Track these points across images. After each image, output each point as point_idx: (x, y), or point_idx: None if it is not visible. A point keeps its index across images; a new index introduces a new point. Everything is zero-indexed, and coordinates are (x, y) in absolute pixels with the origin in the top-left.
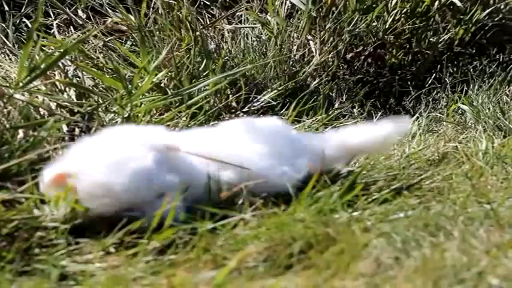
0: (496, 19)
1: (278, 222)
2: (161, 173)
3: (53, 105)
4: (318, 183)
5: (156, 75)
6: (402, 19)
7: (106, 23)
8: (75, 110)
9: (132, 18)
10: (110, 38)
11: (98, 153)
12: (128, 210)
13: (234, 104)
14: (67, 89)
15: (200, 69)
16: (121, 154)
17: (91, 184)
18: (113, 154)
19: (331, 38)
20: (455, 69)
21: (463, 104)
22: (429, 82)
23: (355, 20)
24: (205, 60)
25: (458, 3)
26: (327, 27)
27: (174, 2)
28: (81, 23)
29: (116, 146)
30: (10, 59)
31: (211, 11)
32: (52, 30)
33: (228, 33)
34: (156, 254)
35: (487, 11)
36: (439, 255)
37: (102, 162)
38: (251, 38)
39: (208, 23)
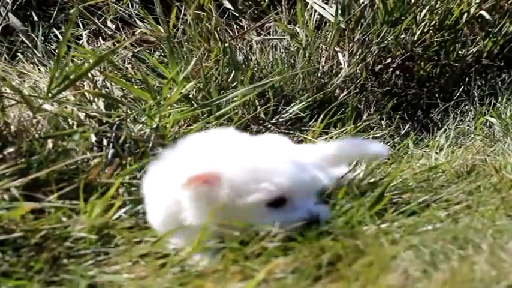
0: None
1: (306, 234)
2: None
3: (82, 115)
4: (347, 194)
5: (185, 86)
6: (431, 31)
7: (135, 33)
8: (104, 121)
9: (161, 29)
10: (138, 48)
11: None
12: (276, 204)
13: (262, 115)
14: (96, 99)
15: (229, 80)
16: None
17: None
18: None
19: (360, 50)
20: (483, 81)
21: (491, 116)
22: (457, 95)
23: (384, 32)
24: (233, 72)
25: (487, 16)
26: (355, 39)
27: (203, 13)
28: (110, 33)
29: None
30: (39, 69)
31: (240, 23)
32: (81, 41)
33: (257, 44)
34: (186, 265)
35: None
36: (467, 268)
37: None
38: (280, 49)
39: (237, 34)
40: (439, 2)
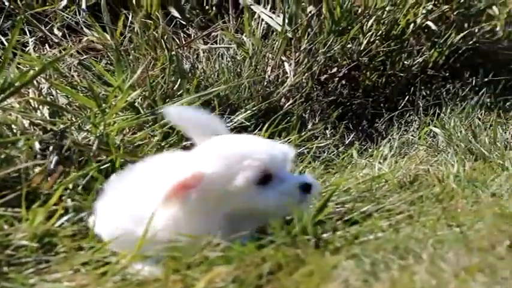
0: (470, 43)
1: (248, 243)
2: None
3: (26, 123)
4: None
5: (130, 94)
6: (377, 41)
7: (82, 41)
8: (48, 128)
9: (108, 37)
10: (85, 56)
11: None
12: (263, 180)
13: None
14: (41, 107)
15: (174, 88)
16: None
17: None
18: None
19: (306, 59)
20: (428, 92)
21: (435, 127)
22: (402, 105)
23: (330, 41)
24: (179, 80)
25: (433, 27)
26: (302, 48)
27: (150, 21)
28: (56, 41)
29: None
30: None
31: (187, 31)
32: (28, 48)
33: (203, 53)
34: (127, 273)
35: (461, 34)
36: (408, 278)
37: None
38: (226, 58)
39: (184, 42)
40: (385, 12)
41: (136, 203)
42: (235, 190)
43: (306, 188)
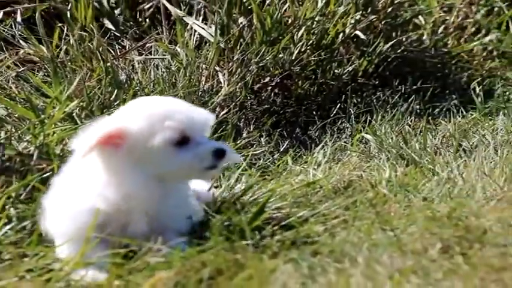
0: (398, 51)
1: (188, 248)
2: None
3: None
4: (228, 210)
5: (68, 105)
6: (308, 51)
7: (18, 54)
8: None
9: (44, 49)
10: (22, 68)
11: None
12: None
13: None
14: None
15: (111, 99)
16: None
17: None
18: None
19: (239, 69)
20: (359, 99)
21: (367, 133)
22: (334, 112)
23: (262, 51)
24: (116, 91)
25: (362, 36)
26: (234, 58)
27: (85, 33)
28: None
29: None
30: None
31: (121, 43)
32: None
33: (139, 64)
34: (69, 280)
35: (390, 43)
36: (344, 280)
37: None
38: (161, 68)
39: (119, 54)
40: (315, 22)
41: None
42: (154, 149)
43: (219, 153)
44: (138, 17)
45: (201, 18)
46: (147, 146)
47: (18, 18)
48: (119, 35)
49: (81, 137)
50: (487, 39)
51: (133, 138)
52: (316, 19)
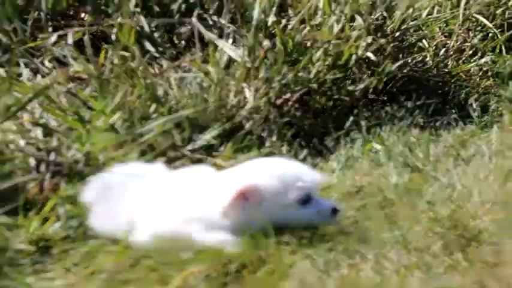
0: (405, 71)
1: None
2: None
3: (23, 142)
4: None
5: (112, 117)
6: (325, 70)
7: (68, 71)
8: (42, 147)
9: (92, 67)
10: (72, 84)
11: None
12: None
13: (179, 142)
14: (34, 128)
15: (150, 112)
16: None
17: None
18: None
19: (263, 86)
20: (370, 113)
21: (376, 143)
22: (347, 124)
23: (284, 70)
24: (154, 104)
25: (372, 57)
26: (259, 76)
27: (127, 54)
28: (47, 71)
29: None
30: None
31: (160, 62)
32: (22, 78)
33: (175, 81)
34: (112, 273)
35: (397, 64)
36: (355, 275)
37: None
38: (194, 85)
39: (158, 72)
40: (331, 45)
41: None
42: (282, 206)
43: (335, 211)
44: (174, 39)
45: (230, 41)
46: (275, 202)
47: (70, 40)
48: (157, 55)
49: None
50: (482, 61)
51: (266, 195)
52: (332, 42)
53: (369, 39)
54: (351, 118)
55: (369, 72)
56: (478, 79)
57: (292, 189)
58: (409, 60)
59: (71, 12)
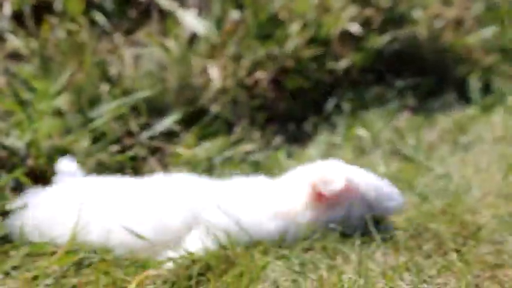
0: (395, 46)
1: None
2: None
3: None
4: None
5: (57, 99)
6: (302, 45)
7: (6, 47)
8: None
9: (33, 42)
10: (10, 63)
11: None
12: None
13: (135, 128)
14: None
15: (101, 93)
16: None
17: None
18: None
19: (232, 64)
20: (354, 95)
21: (361, 129)
22: (328, 107)
23: (256, 46)
24: (106, 85)
25: (357, 31)
26: (227, 53)
27: (74, 27)
28: None
29: None
30: None
31: (112, 36)
32: None
33: (129, 58)
34: (58, 277)
35: (385, 38)
36: (336, 277)
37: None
38: (152, 63)
39: (110, 47)
40: (310, 17)
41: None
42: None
43: None
44: (129, 10)
45: (193, 11)
46: (357, 202)
47: (7, 11)
48: (109, 28)
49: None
50: (485, 33)
51: (359, 196)
52: (311, 13)
53: (353, 10)
54: (332, 100)
55: (353, 48)
56: (479, 55)
57: (378, 206)
58: (400, 34)
59: None
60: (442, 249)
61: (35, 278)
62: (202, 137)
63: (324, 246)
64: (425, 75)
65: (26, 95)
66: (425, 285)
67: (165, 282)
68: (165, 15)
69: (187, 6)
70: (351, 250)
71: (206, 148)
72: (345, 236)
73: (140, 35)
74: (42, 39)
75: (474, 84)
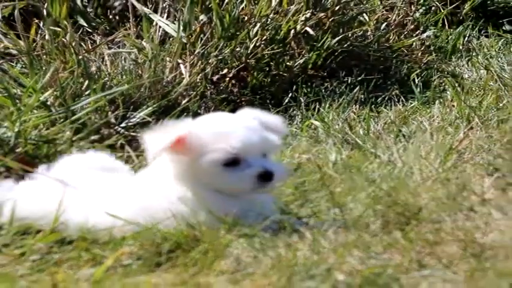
0: (345, 46)
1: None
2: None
3: None
4: None
5: (43, 94)
6: (262, 45)
7: None
8: None
9: (22, 43)
10: (1, 61)
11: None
12: (231, 163)
13: (112, 120)
14: None
15: (83, 88)
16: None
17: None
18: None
19: (200, 62)
20: (309, 89)
21: (315, 120)
22: (286, 101)
23: (221, 46)
24: (87, 81)
25: (311, 32)
26: (196, 52)
27: (59, 29)
28: None
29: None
30: None
31: (93, 38)
32: None
33: (108, 56)
34: (43, 254)
35: (337, 39)
36: (292, 254)
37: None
38: (128, 61)
39: (90, 47)
40: (269, 19)
41: None
42: (204, 165)
43: (264, 176)
44: (108, 14)
45: (165, 15)
46: (199, 160)
47: None
48: (90, 30)
49: (152, 138)
50: (424, 35)
51: (192, 150)
52: (270, 16)
53: (308, 13)
54: (290, 94)
55: (308, 47)
56: (420, 54)
57: (212, 150)
58: (349, 35)
59: None
60: (387, 228)
61: (23, 254)
62: None
63: (282, 226)
64: (372, 72)
65: (15, 90)
66: (373, 261)
67: (139, 258)
68: (140, 18)
69: (160, 11)
70: (306, 229)
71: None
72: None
73: (118, 36)
74: (30, 40)
75: (415, 80)
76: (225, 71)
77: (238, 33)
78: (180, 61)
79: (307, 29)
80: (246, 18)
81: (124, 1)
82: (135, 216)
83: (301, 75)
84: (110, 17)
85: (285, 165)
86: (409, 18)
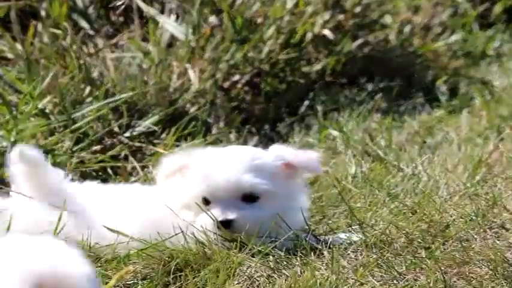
0: (365, 50)
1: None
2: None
3: None
4: None
5: (41, 101)
6: (277, 49)
7: None
8: None
9: (19, 46)
10: None
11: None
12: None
13: (116, 129)
14: None
15: (84, 95)
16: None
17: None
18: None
19: (209, 67)
20: (327, 97)
21: (334, 130)
22: (302, 109)
23: (232, 50)
24: (88, 87)
25: (330, 35)
26: (205, 56)
27: (58, 31)
28: None
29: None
30: None
31: (94, 40)
32: None
33: (111, 61)
34: None
35: (357, 42)
36: (309, 273)
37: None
38: (133, 66)
39: (92, 51)
40: (284, 22)
41: None
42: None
43: (225, 224)
44: (111, 15)
45: (172, 16)
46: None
47: None
48: (92, 32)
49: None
50: (452, 39)
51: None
52: (286, 18)
53: (326, 15)
54: (306, 102)
55: (326, 51)
56: (446, 59)
57: (193, 184)
58: (371, 39)
59: None
60: (412, 246)
61: None
62: (181, 138)
63: (299, 244)
64: (394, 79)
65: (11, 97)
66: (395, 282)
67: (144, 278)
68: (146, 20)
69: (167, 12)
70: (324, 247)
71: (184, 148)
72: (319, 233)
73: (122, 39)
74: (28, 43)
75: (441, 87)
76: (237, 77)
77: (251, 36)
78: (188, 66)
79: (326, 32)
80: (259, 20)
81: (128, 1)
82: (141, 232)
83: (318, 82)
84: (113, 18)
85: (261, 212)
86: (435, 20)
